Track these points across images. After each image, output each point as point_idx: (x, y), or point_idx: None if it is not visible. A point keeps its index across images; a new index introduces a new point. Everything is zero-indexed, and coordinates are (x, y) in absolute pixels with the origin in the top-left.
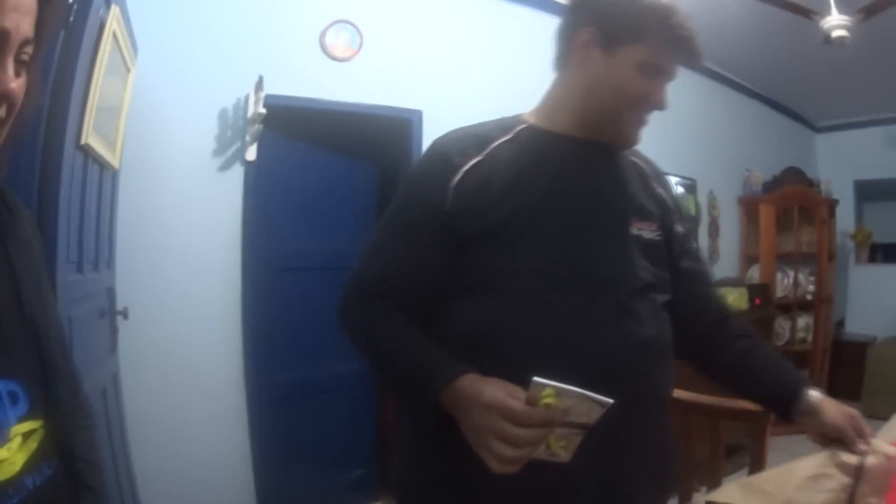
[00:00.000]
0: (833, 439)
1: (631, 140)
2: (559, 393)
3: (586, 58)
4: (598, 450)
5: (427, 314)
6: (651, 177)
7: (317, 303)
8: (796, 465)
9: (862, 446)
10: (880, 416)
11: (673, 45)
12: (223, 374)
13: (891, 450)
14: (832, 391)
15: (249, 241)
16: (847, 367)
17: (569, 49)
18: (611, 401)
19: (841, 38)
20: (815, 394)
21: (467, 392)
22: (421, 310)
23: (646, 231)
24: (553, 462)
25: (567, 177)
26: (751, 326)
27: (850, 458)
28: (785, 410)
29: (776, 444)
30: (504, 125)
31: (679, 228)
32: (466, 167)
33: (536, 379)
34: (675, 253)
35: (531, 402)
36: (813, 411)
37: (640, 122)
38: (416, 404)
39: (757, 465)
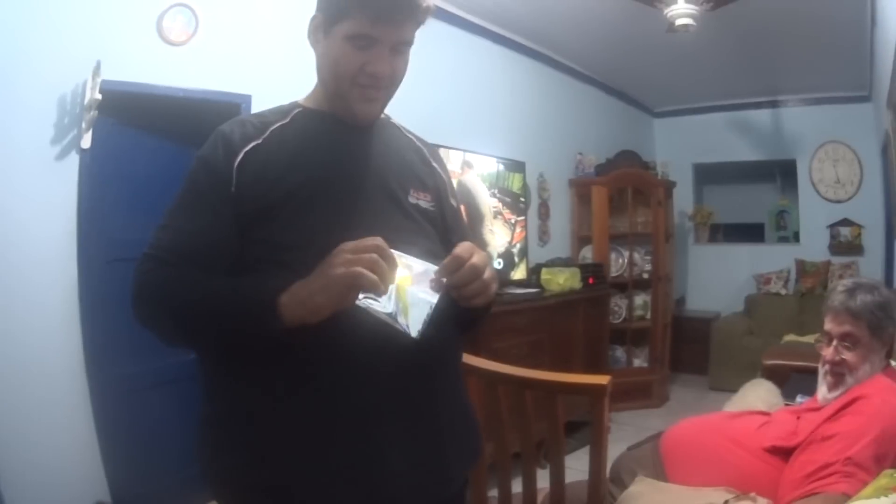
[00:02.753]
0: None
1: (361, 115)
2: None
3: (315, 42)
4: (406, 411)
5: None
6: (426, 152)
7: None
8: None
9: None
10: (728, 389)
11: (371, 12)
12: (65, 369)
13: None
14: (678, 365)
15: (84, 231)
16: (691, 342)
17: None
18: (435, 267)
19: (685, 26)
20: None
21: (311, 277)
22: None
23: (422, 201)
24: (400, 335)
25: (342, 153)
26: None
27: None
28: None
29: (621, 418)
30: (281, 110)
31: (453, 202)
32: (247, 149)
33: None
34: (448, 226)
35: None
36: None
37: (367, 97)
38: (252, 324)
39: (597, 439)
